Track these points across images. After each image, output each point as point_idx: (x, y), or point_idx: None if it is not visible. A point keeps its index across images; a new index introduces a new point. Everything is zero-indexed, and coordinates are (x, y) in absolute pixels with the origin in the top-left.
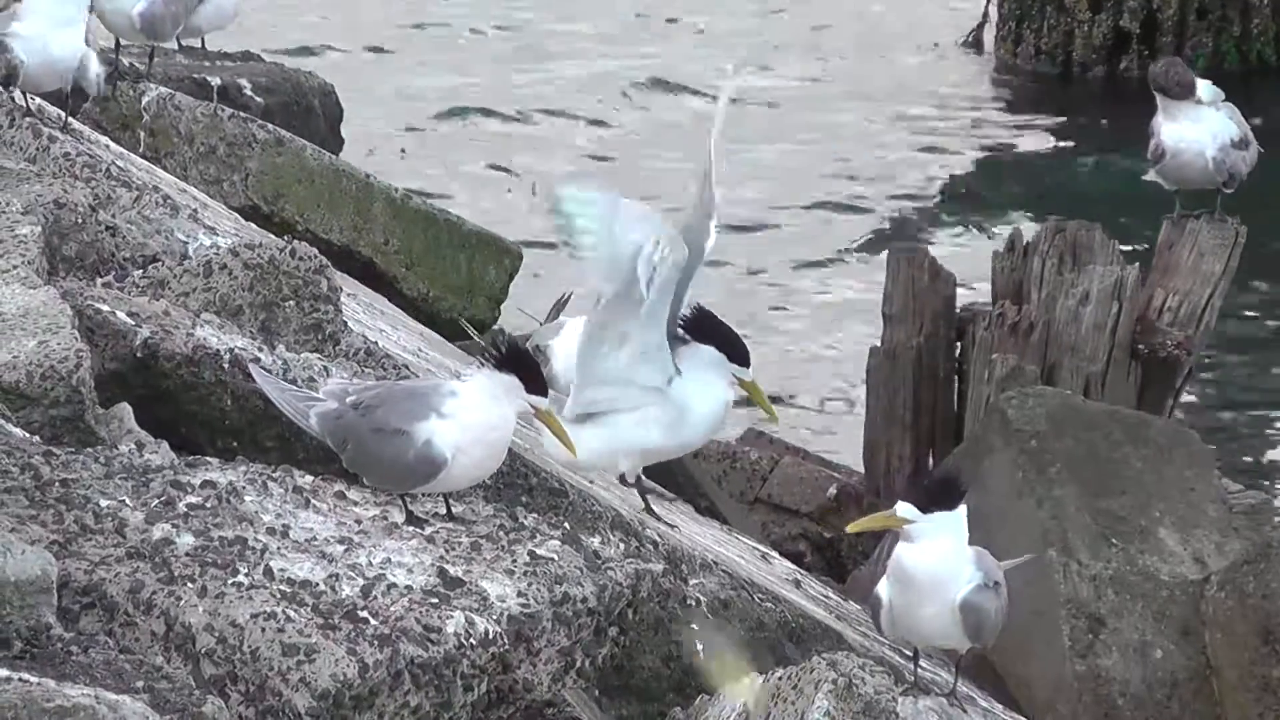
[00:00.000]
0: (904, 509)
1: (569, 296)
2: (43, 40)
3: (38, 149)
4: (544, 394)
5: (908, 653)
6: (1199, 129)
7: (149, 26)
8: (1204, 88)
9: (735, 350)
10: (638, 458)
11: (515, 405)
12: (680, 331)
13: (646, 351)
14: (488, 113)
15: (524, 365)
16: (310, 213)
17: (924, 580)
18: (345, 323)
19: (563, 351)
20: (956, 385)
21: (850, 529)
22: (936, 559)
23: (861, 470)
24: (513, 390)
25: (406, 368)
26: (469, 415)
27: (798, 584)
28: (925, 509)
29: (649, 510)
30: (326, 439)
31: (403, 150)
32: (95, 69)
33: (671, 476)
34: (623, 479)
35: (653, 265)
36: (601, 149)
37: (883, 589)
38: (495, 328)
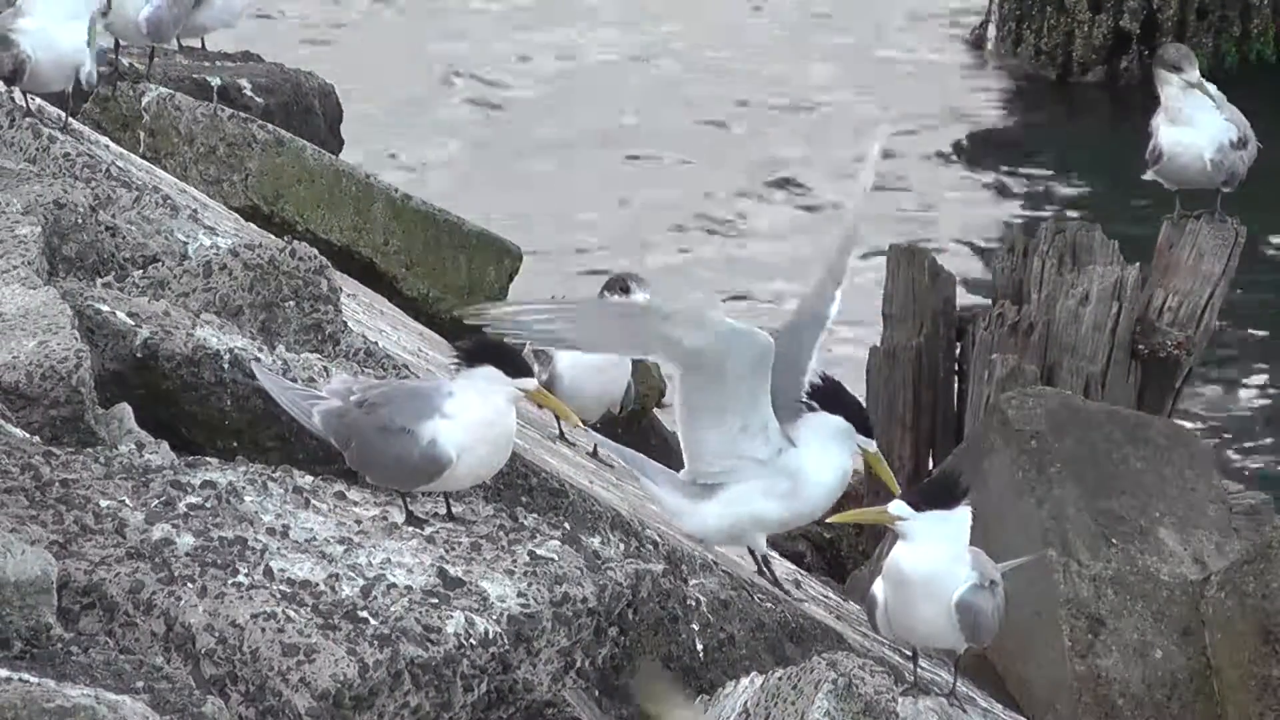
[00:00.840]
0: (896, 506)
1: (561, 298)
2: (49, 35)
3: (38, 149)
4: (529, 374)
5: (907, 653)
6: (1197, 131)
7: (154, 30)
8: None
9: (862, 421)
10: (759, 530)
11: (505, 394)
12: (806, 399)
13: (748, 426)
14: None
15: (497, 353)
16: (310, 213)
17: (918, 581)
18: (345, 323)
19: (567, 353)
20: (956, 385)
21: (834, 519)
22: (931, 560)
23: (862, 470)
24: (494, 380)
25: (406, 368)
26: (469, 414)
27: (798, 584)
28: (919, 508)
29: (775, 582)
30: (329, 437)
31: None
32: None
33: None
34: (752, 552)
35: (731, 365)
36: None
37: (878, 589)
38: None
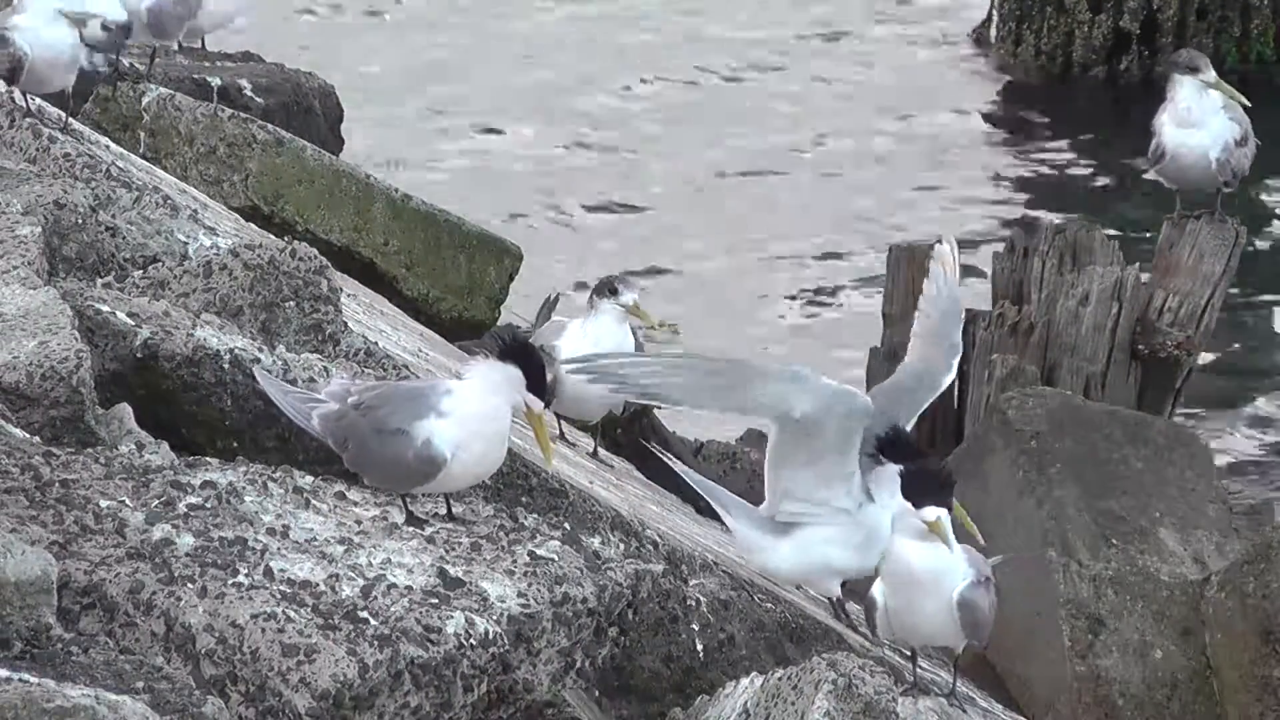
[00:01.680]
0: (941, 516)
1: (558, 296)
2: (47, 33)
3: (38, 149)
4: (543, 395)
5: (906, 653)
6: (1202, 131)
7: (157, 24)
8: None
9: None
10: (830, 575)
11: (512, 399)
12: (874, 453)
13: (834, 478)
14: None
15: (529, 361)
16: (310, 213)
17: (927, 578)
18: (345, 323)
19: (568, 351)
20: (956, 385)
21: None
22: (937, 555)
23: None
24: (513, 382)
25: (406, 368)
26: (465, 411)
27: (798, 584)
28: (950, 508)
29: (852, 626)
30: (328, 440)
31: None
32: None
33: (671, 476)
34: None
35: (827, 423)
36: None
37: (877, 591)
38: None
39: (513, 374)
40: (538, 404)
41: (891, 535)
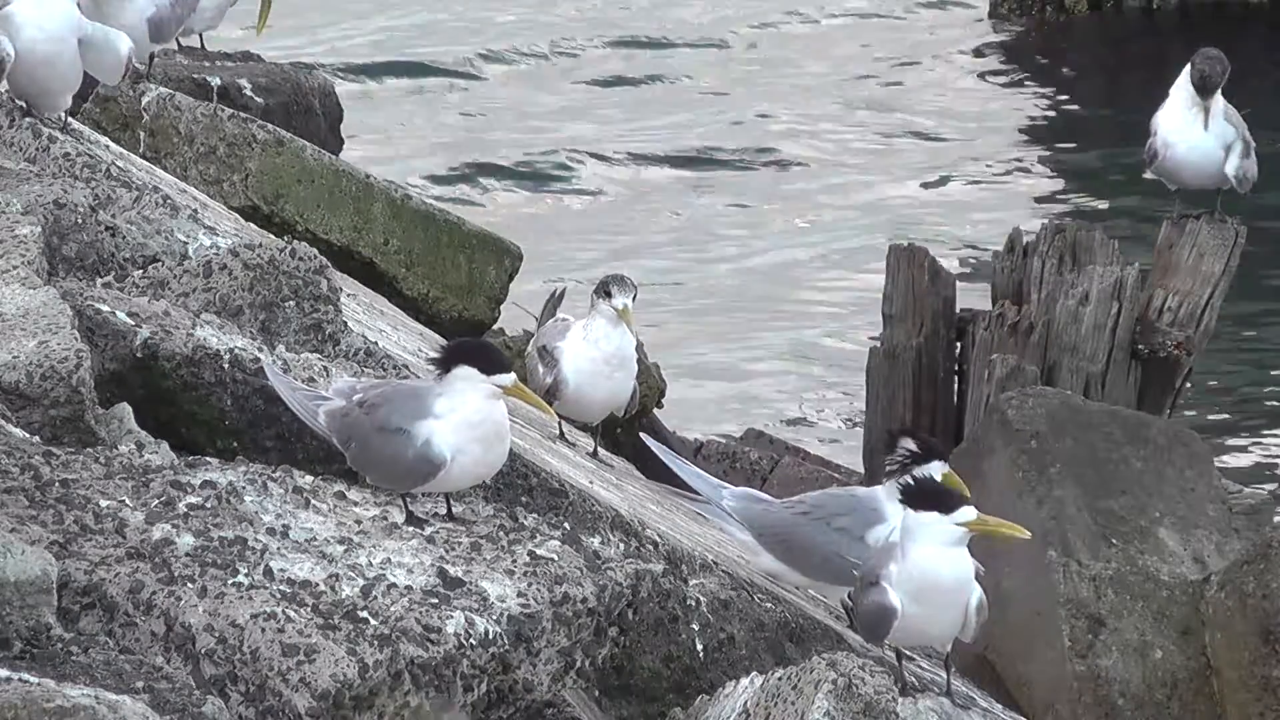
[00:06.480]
0: (974, 513)
1: (563, 292)
2: (31, 36)
3: (38, 149)
4: (504, 370)
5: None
6: (1198, 130)
7: (157, 30)
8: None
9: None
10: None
11: (484, 392)
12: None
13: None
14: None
15: (470, 353)
16: (310, 213)
17: (956, 586)
18: (345, 323)
19: (571, 352)
20: (956, 385)
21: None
22: (964, 563)
23: (861, 470)
24: (471, 380)
25: (406, 368)
26: (456, 414)
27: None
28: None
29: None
30: (332, 438)
31: None
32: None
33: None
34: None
35: None
36: None
37: (892, 598)
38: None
39: (467, 373)
40: (507, 379)
41: (912, 545)
